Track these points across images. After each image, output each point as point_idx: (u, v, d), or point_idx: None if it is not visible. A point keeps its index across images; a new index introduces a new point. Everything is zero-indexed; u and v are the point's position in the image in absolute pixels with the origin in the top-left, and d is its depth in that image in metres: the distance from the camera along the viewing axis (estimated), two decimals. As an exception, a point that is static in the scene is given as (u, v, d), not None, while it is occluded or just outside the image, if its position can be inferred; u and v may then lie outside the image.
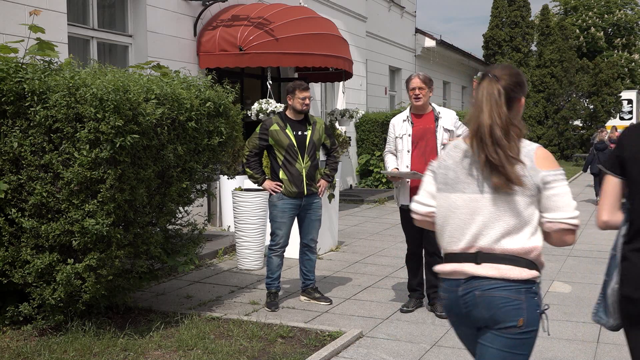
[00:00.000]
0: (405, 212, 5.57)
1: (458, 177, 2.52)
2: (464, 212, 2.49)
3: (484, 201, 2.45)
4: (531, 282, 2.44)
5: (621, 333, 2.75)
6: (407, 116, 5.56)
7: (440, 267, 2.57)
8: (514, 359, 2.46)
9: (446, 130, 5.47)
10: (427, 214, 2.66)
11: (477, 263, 2.44)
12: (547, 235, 2.49)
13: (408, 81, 5.52)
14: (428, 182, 2.67)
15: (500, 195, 2.42)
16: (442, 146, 5.44)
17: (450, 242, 2.53)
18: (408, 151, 5.48)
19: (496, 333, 2.45)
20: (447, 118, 5.51)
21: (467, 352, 4.69)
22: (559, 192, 2.43)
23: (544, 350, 4.67)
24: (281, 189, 5.58)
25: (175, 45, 9.20)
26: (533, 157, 2.45)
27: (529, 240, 2.43)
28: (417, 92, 5.42)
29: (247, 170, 5.66)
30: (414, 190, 5.45)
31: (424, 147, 5.46)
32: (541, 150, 2.50)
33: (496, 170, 2.39)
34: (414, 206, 2.72)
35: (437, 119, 5.49)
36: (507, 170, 2.38)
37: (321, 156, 6.03)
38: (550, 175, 2.44)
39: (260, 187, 5.85)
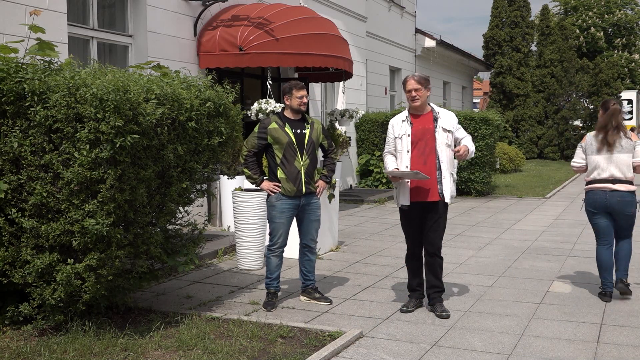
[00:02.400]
0: (405, 211, 5.56)
1: (595, 148, 5.85)
2: (602, 163, 5.79)
3: (612, 158, 5.77)
4: (635, 192, 5.76)
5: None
6: (406, 117, 5.55)
7: (597, 185, 5.82)
8: (631, 225, 5.88)
9: (445, 130, 5.46)
10: (580, 167, 6.01)
11: (614, 184, 5.74)
12: (634, 169, 5.81)
13: (404, 83, 5.54)
14: (579, 151, 6.02)
15: (617, 155, 5.74)
16: (446, 147, 5.44)
17: (598, 175, 5.81)
18: (407, 151, 5.46)
19: (622, 216, 5.79)
20: (447, 119, 5.50)
21: (466, 352, 4.70)
22: (638, 146, 5.77)
23: (545, 351, 4.67)
24: (279, 190, 5.58)
25: (175, 45, 9.20)
26: (630, 136, 5.79)
27: (633, 172, 5.80)
28: (413, 94, 5.44)
29: (245, 170, 5.66)
30: (414, 190, 5.46)
31: (423, 148, 5.45)
32: (632, 134, 5.85)
33: (615, 142, 5.77)
34: (573, 163, 6.08)
35: (436, 119, 5.48)
36: (621, 141, 5.79)
37: (320, 157, 6.03)
38: (637, 143, 5.78)
39: (259, 188, 5.85)
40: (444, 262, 5.71)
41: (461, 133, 5.59)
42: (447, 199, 5.43)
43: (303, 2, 12.21)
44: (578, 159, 6.05)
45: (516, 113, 26.92)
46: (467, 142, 5.51)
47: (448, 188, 5.43)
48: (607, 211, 5.79)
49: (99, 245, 4.55)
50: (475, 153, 5.74)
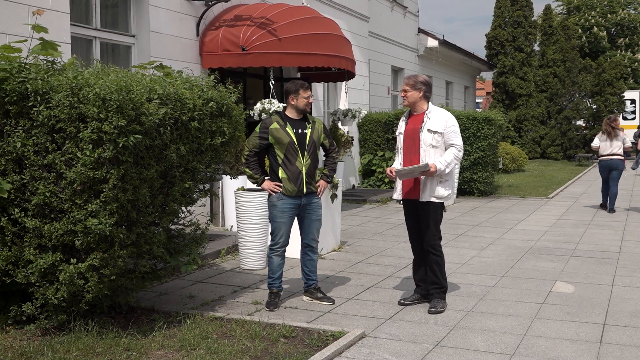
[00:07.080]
0: (403, 206, 5.81)
1: (602, 139, 12.02)
2: (605, 146, 11.95)
3: (614, 142, 11.87)
4: (623, 159, 12.04)
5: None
6: (406, 115, 5.73)
7: (604, 157, 11.95)
8: (618, 177, 12.05)
9: (431, 131, 5.48)
10: (597, 146, 12.09)
11: (613, 156, 11.89)
12: (624, 149, 12.12)
13: None
14: (596, 139, 12.13)
15: (615, 142, 11.85)
16: (431, 147, 5.46)
17: (604, 152, 11.96)
18: (400, 149, 5.70)
19: (616, 172, 11.97)
20: (436, 120, 5.52)
21: (469, 352, 4.69)
22: (626, 139, 12.06)
23: (547, 351, 4.66)
24: (280, 189, 5.59)
25: (178, 45, 9.21)
26: (622, 133, 12.08)
27: (623, 149, 12.07)
28: (402, 94, 5.71)
29: (247, 170, 5.67)
30: (404, 187, 5.67)
31: (412, 147, 5.57)
32: (622, 132, 12.37)
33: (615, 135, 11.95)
34: (593, 144, 12.30)
35: (424, 120, 5.53)
36: (617, 134, 11.99)
37: (321, 157, 6.06)
38: (625, 136, 12.17)
39: (260, 188, 5.86)
40: (446, 262, 5.72)
41: (451, 138, 5.50)
42: (422, 198, 5.51)
43: (306, 2, 12.20)
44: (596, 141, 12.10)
45: (519, 113, 26.89)
46: (446, 155, 5.47)
47: (427, 187, 5.49)
48: (609, 169, 11.81)
49: (101, 245, 4.56)
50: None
